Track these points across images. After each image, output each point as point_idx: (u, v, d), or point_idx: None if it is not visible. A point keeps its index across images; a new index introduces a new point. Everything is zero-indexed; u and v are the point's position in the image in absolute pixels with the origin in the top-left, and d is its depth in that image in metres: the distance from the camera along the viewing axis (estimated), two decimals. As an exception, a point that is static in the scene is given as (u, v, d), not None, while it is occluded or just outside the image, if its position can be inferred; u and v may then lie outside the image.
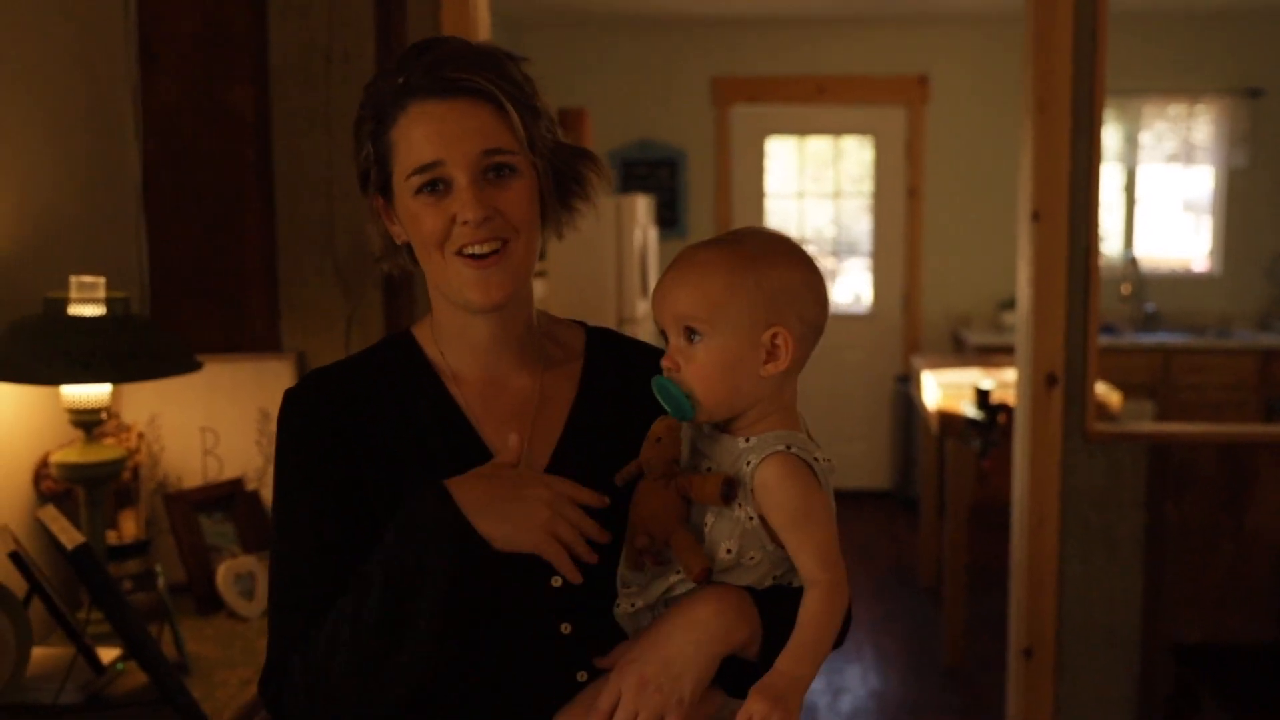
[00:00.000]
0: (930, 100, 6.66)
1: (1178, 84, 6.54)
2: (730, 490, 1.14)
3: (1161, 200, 6.85)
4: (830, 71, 6.63)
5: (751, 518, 1.16)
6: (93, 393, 2.20)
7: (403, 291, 2.77)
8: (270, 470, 2.68)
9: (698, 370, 1.18)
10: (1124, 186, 6.71)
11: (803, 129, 7.00)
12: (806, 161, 7.11)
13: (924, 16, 6.51)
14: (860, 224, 6.99)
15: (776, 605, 1.21)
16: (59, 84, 2.43)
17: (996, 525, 4.49)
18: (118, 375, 2.13)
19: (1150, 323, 6.49)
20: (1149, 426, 3.35)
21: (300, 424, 1.28)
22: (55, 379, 2.09)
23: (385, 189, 1.28)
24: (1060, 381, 2.83)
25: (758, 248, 1.21)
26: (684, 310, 1.18)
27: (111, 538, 2.40)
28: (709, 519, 1.18)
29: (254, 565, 2.47)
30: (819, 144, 7.08)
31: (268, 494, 2.70)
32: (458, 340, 1.31)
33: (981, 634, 4.53)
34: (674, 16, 6.38)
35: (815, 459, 1.17)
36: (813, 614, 1.16)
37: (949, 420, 4.48)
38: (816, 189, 7.07)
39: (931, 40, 6.60)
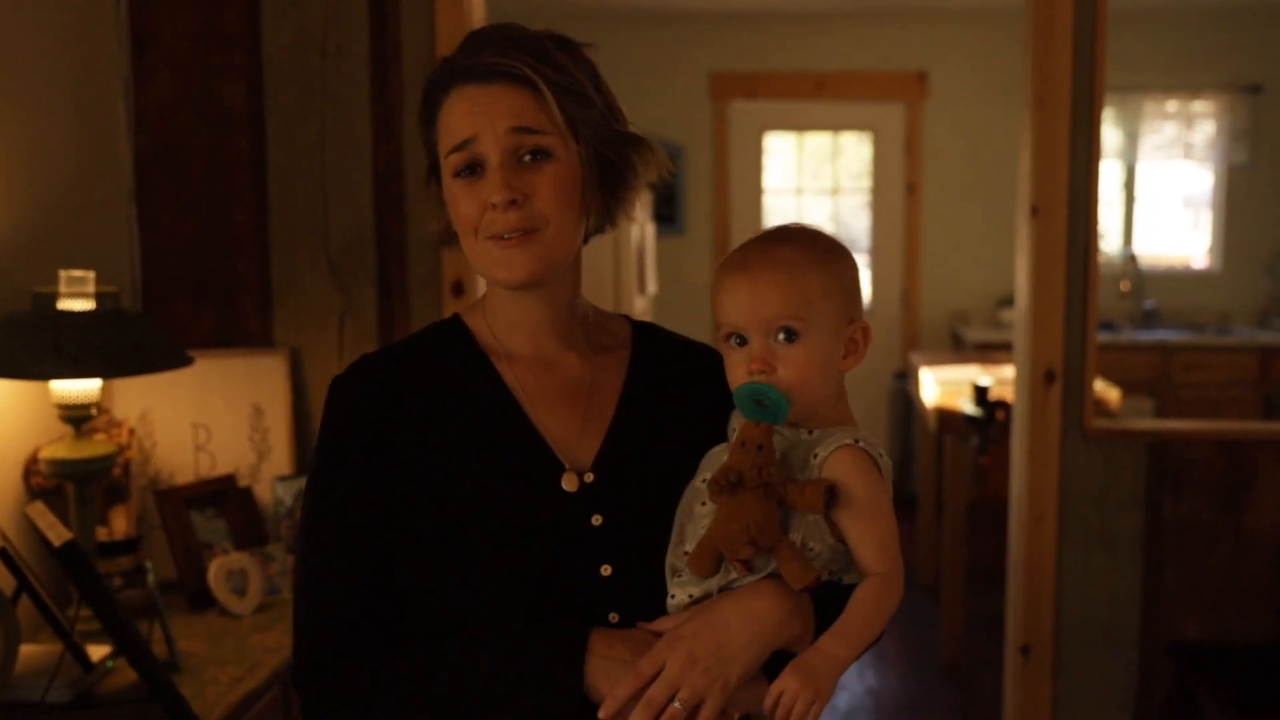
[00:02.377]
0: (929, 96, 6.64)
1: (1177, 80, 6.52)
2: (832, 498, 1.14)
3: (1161, 197, 6.83)
4: (829, 67, 6.61)
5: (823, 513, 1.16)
6: (82, 388, 2.18)
7: (397, 286, 2.75)
8: (264, 467, 2.68)
9: (796, 370, 1.18)
10: (1123, 183, 6.70)
11: (801, 125, 6.97)
12: (805, 158, 7.09)
13: (923, 12, 6.49)
14: (859, 220, 6.97)
15: (829, 602, 1.21)
16: (49, 77, 2.41)
17: (994, 523, 4.47)
18: (107, 370, 2.12)
19: (1149, 320, 6.48)
20: (1148, 424, 3.33)
21: (347, 414, 1.28)
22: (44, 374, 2.07)
23: (437, 174, 1.30)
24: (1059, 378, 2.81)
25: (825, 244, 1.23)
26: (784, 311, 1.18)
27: (102, 534, 2.38)
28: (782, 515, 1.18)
29: (246, 562, 2.45)
30: (818, 140, 7.06)
31: (261, 490, 2.68)
32: (508, 319, 1.32)
33: (979, 632, 4.52)
34: (672, 11, 6.36)
35: (880, 454, 1.19)
36: (865, 601, 1.16)
37: (947, 417, 4.46)
38: (815, 185, 7.06)
39: (930, 36, 6.58)
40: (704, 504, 1.20)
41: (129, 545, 2.31)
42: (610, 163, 1.30)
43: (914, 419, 6.20)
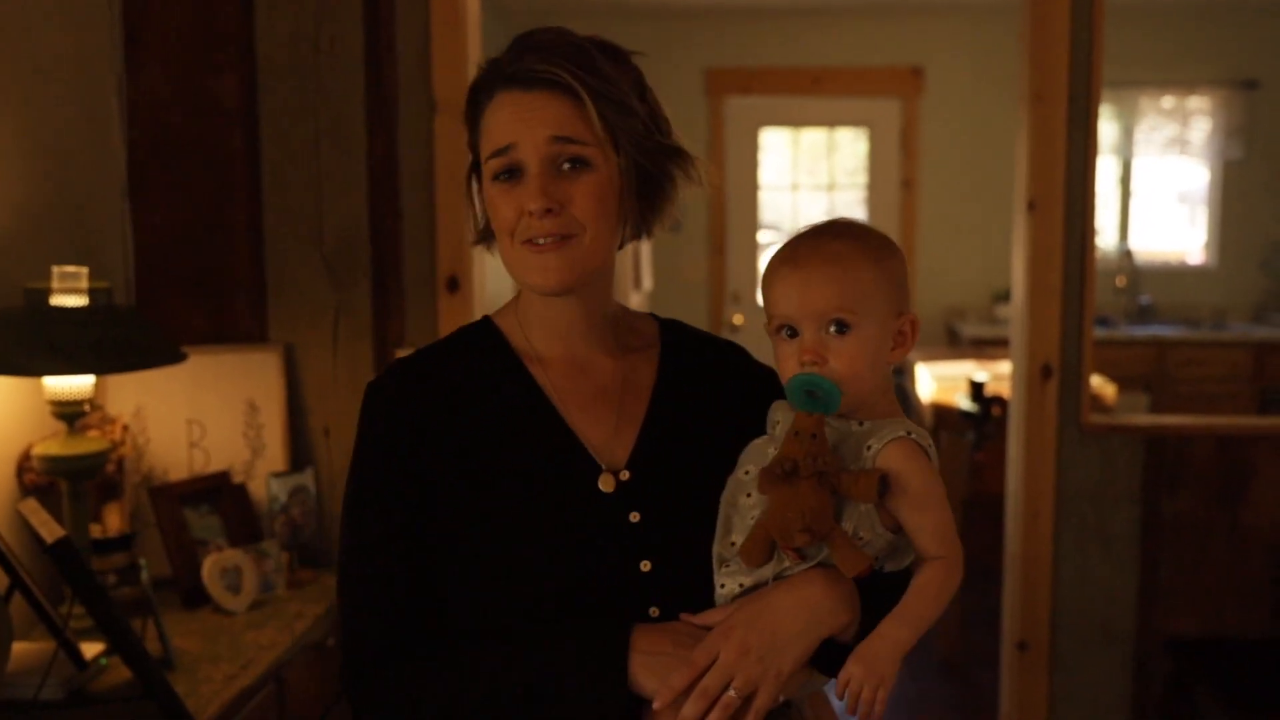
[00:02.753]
0: (925, 92, 6.63)
1: (1173, 76, 6.52)
2: (885, 487, 1.16)
3: (1156, 192, 6.83)
4: (825, 63, 6.60)
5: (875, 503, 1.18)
6: (75, 384, 2.17)
7: (391, 282, 2.74)
8: (259, 464, 2.67)
9: (848, 362, 1.20)
10: (1119, 179, 6.69)
11: (797, 121, 6.97)
12: (801, 153, 7.08)
13: (918, 8, 6.48)
14: (855, 216, 6.95)
15: (877, 591, 1.23)
16: (42, 72, 2.40)
17: (990, 518, 4.47)
18: (101, 366, 2.10)
19: (1145, 315, 6.48)
20: (1144, 419, 3.33)
21: (384, 419, 1.29)
22: (37, 370, 2.06)
23: (479, 175, 1.32)
24: (1055, 373, 2.81)
25: (876, 239, 1.25)
26: (837, 303, 1.19)
27: (95, 531, 2.37)
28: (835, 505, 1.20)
29: (240, 559, 2.44)
30: (813, 136, 7.05)
31: (255, 487, 2.67)
32: (541, 322, 1.34)
33: (976, 627, 4.52)
34: (667, 7, 6.35)
35: (929, 445, 1.21)
36: (927, 585, 1.19)
37: (943, 413, 4.46)
38: (811, 181, 7.05)
39: (926, 32, 6.57)
40: (749, 495, 1.22)
41: (122, 542, 2.30)
42: (649, 173, 1.31)
43: (909, 414, 6.19)
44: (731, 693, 1.15)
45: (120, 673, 2.00)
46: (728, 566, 1.24)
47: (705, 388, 1.37)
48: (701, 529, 1.26)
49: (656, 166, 1.31)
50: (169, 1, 2.68)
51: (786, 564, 1.20)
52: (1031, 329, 2.81)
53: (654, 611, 1.24)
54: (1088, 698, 2.91)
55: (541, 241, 1.24)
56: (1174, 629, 2.89)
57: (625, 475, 1.28)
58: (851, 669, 1.17)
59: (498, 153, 1.25)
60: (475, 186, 1.34)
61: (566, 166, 1.24)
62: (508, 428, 1.29)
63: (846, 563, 1.16)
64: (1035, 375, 2.81)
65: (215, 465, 2.67)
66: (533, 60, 1.24)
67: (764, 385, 1.37)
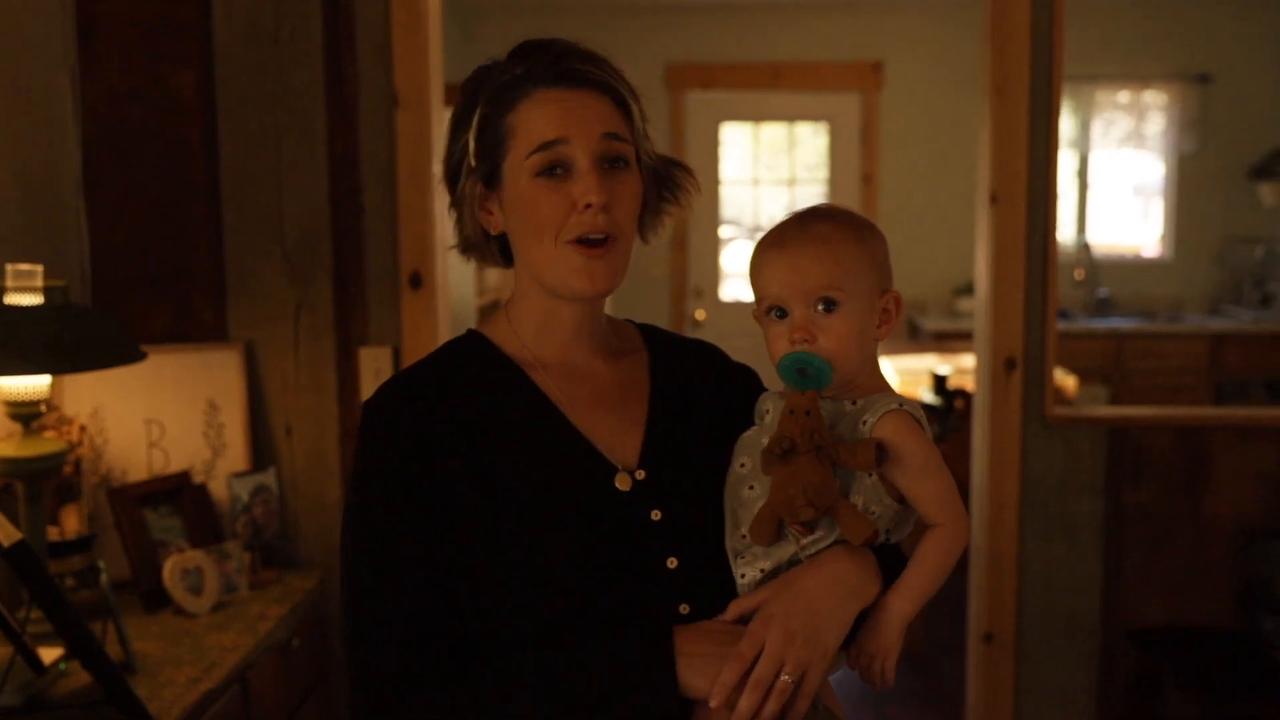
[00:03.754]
0: (884, 86, 6.66)
1: (1129, 70, 6.58)
2: (883, 454, 1.19)
3: (1113, 186, 6.90)
4: (785, 58, 6.61)
5: (870, 474, 1.21)
6: (31, 384, 2.12)
7: (353, 279, 2.71)
8: (219, 464, 2.64)
9: (836, 339, 1.24)
10: (1076, 172, 6.75)
11: (757, 115, 6.97)
12: (761, 148, 7.09)
13: (878, 3, 6.50)
14: (816, 211, 6.97)
15: (892, 560, 1.27)
16: (-7, 65, 2.35)
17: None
18: (57, 366, 2.06)
19: (1103, 308, 6.54)
20: (1106, 410, 3.35)
21: (387, 436, 1.26)
22: (-9, 370, 2.01)
23: (491, 177, 1.28)
24: (1019, 366, 2.82)
25: (859, 221, 1.29)
26: (824, 282, 1.23)
27: (53, 534, 2.33)
28: (838, 480, 1.21)
29: (202, 560, 2.40)
30: (774, 130, 7.06)
31: (216, 488, 2.63)
32: (542, 329, 1.33)
33: (939, 619, 4.54)
34: (628, 2, 6.33)
35: (921, 416, 1.24)
36: (930, 553, 1.23)
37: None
38: (771, 176, 7.06)
39: (885, 26, 6.60)
40: (751, 487, 1.25)
41: (81, 545, 2.25)
42: (663, 180, 1.35)
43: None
44: (785, 678, 1.16)
45: (80, 678, 1.97)
46: (743, 557, 1.25)
47: (695, 387, 1.39)
48: (720, 524, 1.28)
49: (668, 173, 1.35)
50: (123, -6, 2.64)
51: (804, 542, 1.22)
52: (995, 322, 2.82)
53: (684, 608, 1.24)
54: (1053, 688, 2.93)
55: (595, 238, 1.24)
56: (1138, 619, 2.92)
57: (641, 474, 1.28)
58: (860, 642, 1.22)
59: (544, 147, 1.23)
60: (477, 190, 1.30)
61: (608, 165, 1.25)
62: (517, 435, 1.28)
63: (853, 531, 1.18)
64: (999, 368, 2.83)
65: (175, 465, 2.63)
66: (574, 62, 1.26)
67: (743, 380, 1.42)
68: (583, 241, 1.24)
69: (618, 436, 1.30)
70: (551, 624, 1.20)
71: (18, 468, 2.10)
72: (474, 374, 1.31)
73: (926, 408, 4.25)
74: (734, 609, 1.23)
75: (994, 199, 2.78)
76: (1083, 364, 5.67)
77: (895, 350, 5.47)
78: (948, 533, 1.23)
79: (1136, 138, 6.71)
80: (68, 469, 2.43)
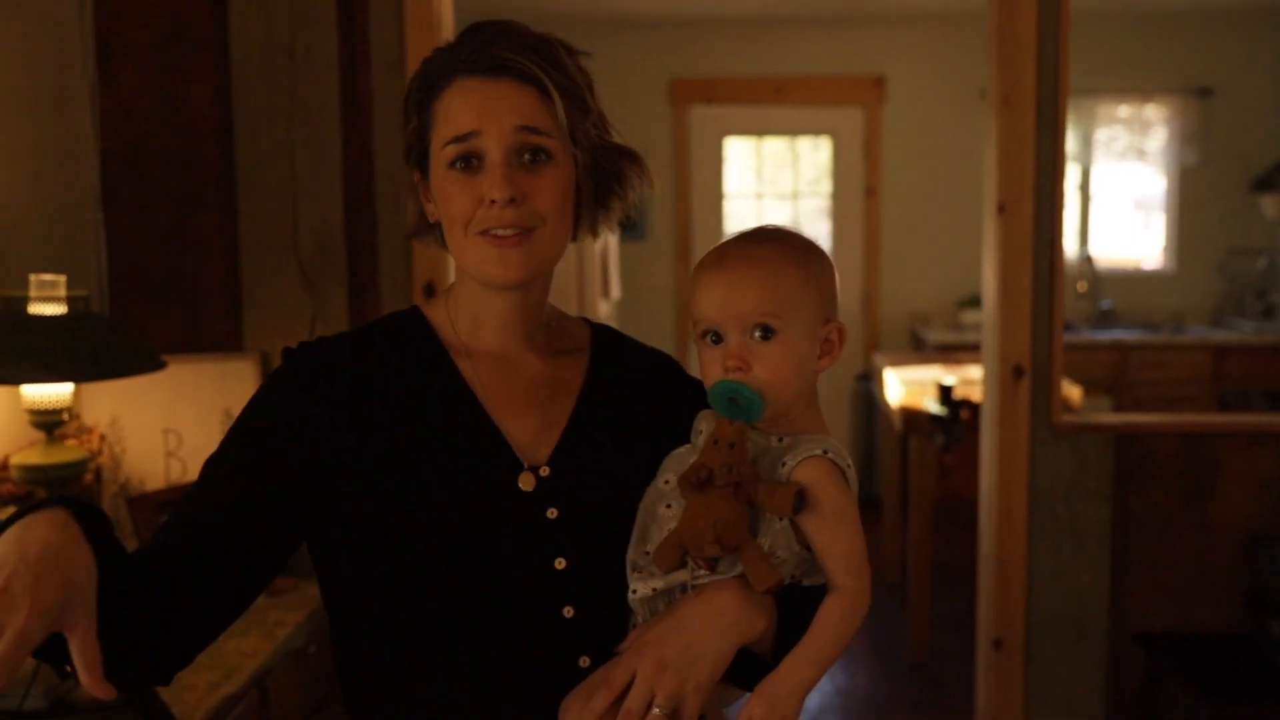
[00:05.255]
0: (886, 100, 6.70)
1: (1130, 84, 6.62)
2: (802, 503, 1.13)
3: (1115, 199, 6.93)
4: (787, 72, 6.65)
5: (781, 519, 1.15)
6: (54, 393, 2.16)
7: (368, 288, 2.74)
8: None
9: (772, 368, 1.17)
10: (1079, 185, 6.79)
11: (760, 130, 7.01)
12: (764, 162, 7.12)
13: (879, 17, 6.55)
14: (818, 224, 7.01)
15: (793, 602, 1.20)
16: (13, 81, 2.38)
17: (960, 521, 4.52)
18: (80, 375, 2.09)
19: (1106, 320, 6.56)
20: (1113, 418, 3.38)
21: (284, 380, 1.25)
22: (16, 379, 2.05)
23: (423, 163, 1.27)
24: (1027, 373, 2.85)
25: (803, 244, 1.22)
26: (761, 307, 1.17)
27: (73, 541, 2.35)
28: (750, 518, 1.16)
29: (220, 567, 2.42)
30: (776, 145, 7.10)
31: (232, 496, 2.65)
32: (474, 316, 1.30)
33: (946, 629, 4.56)
34: (632, 17, 6.38)
35: (848, 465, 1.18)
36: (830, 620, 1.16)
37: (912, 417, 4.50)
38: (774, 190, 7.09)
39: (887, 41, 6.64)
40: (669, 506, 1.19)
41: (101, 552, 2.28)
42: (603, 171, 1.30)
43: (876, 420, 6.24)
44: (656, 710, 1.13)
45: (103, 682, 1.99)
46: (640, 572, 1.21)
47: (633, 393, 1.35)
48: (618, 530, 1.23)
49: (610, 164, 1.30)
50: (141, 9, 2.67)
51: (701, 572, 1.17)
52: (1003, 330, 2.85)
53: (568, 611, 1.22)
54: (1062, 693, 2.95)
55: (502, 233, 1.20)
56: (1146, 623, 2.94)
57: (545, 471, 1.25)
58: (754, 709, 1.14)
59: (458, 139, 1.21)
60: (417, 176, 1.29)
61: (528, 158, 1.22)
62: (428, 418, 1.25)
63: (757, 577, 1.13)
64: (1007, 376, 2.85)
65: (192, 475, 2.64)
66: (498, 49, 1.22)
67: (691, 395, 1.34)
68: (493, 234, 1.21)
69: (535, 434, 1.27)
70: (430, 613, 1.19)
71: (41, 475, 2.13)
72: (401, 351, 1.29)
73: (933, 418, 4.28)
74: (634, 633, 1.21)
75: (1001, 209, 2.81)
76: (1087, 375, 5.69)
77: (901, 362, 5.50)
78: (850, 596, 1.16)
79: (1138, 151, 6.75)
80: (88, 478, 2.46)
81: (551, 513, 1.23)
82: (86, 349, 2.10)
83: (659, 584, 1.19)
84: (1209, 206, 6.64)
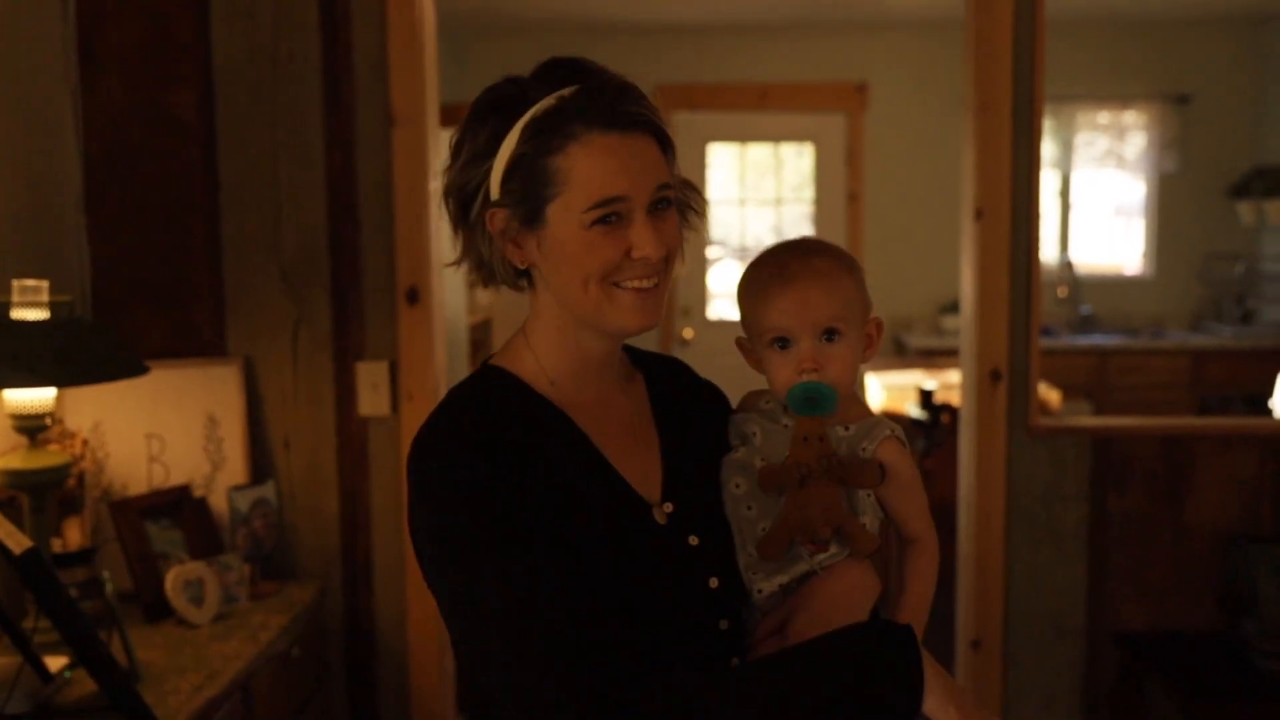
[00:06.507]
0: (869, 107, 6.74)
1: (1109, 90, 6.67)
2: (884, 474, 1.31)
3: (1094, 205, 6.98)
4: (771, 79, 6.69)
5: (869, 493, 1.32)
6: (37, 398, 2.16)
7: (350, 294, 2.75)
8: (219, 477, 2.67)
9: (840, 367, 1.32)
10: (1059, 191, 6.83)
11: (744, 136, 7.04)
12: (748, 168, 7.16)
13: (862, 24, 6.59)
14: (801, 230, 7.04)
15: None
16: (-2, 85, 2.39)
17: (940, 525, 4.52)
18: (64, 379, 2.10)
19: (1086, 325, 6.61)
20: (1090, 420, 3.41)
21: (462, 458, 1.21)
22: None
23: (532, 216, 1.24)
24: (1004, 377, 2.87)
25: (845, 253, 1.39)
26: (829, 313, 1.31)
27: (56, 546, 2.36)
28: (844, 499, 1.31)
29: (203, 571, 2.44)
30: (760, 151, 7.13)
31: (216, 501, 2.67)
32: (573, 364, 1.32)
33: (927, 631, 4.57)
34: (617, 24, 6.40)
35: (905, 438, 1.36)
36: (921, 569, 1.37)
37: (893, 420, 4.52)
38: (758, 196, 7.12)
39: (869, 48, 6.68)
40: (749, 508, 1.33)
41: (84, 556, 2.28)
42: (682, 206, 1.35)
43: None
44: None
45: (85, 686, 2.00)
46: (757, 573, 1.33)
47: (683, 405, 1.43)
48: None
49: (686, 200, 1.35)
50: (124, 14, 2.69)
51: (819, 558, 1.31)
52: (980, 334, 2.87)
53: (724, 624, 1.30)
54: (1040, 693, 2.98)
55: (646, 285, 1.25)
56: (1123, 624, 2.97)
57: (669, 508, 1.32)
58: None
59: (607, 202, 1.21)
60: (508, 222, 1.25)
61: (656, 209, 1.26)
62: (559, 473, 1.26)
63: (861, 545, 1.30)
64: (985, 379, 2.88)
65: (175, 479, 2.66)
66: (626, 103, 1.23)
67: (712, 398, 1.48)
68: (633, 286, 1.24)
69: (643, 469, 1.33)
70: (601, 648, 1.17)
71: (24, 480, 2.14)
72: (511, 413, 1.27)
73: (914, 423, 4.31)
74: (771, 622, 1.30)
75: (979, 214, 2.84)
76: (1067, 380, 5.73)
77: (882, 367, 5.53)
78: (932, 545, 1.37)
79: (1117, 157, 6.80)
80: (70, 482, 2.46)
81: (693, 540, 1.32)
82: (69, 354, 2.11)
83: (784, 579, 1.32)
84: (1188, 212, 6.70)
